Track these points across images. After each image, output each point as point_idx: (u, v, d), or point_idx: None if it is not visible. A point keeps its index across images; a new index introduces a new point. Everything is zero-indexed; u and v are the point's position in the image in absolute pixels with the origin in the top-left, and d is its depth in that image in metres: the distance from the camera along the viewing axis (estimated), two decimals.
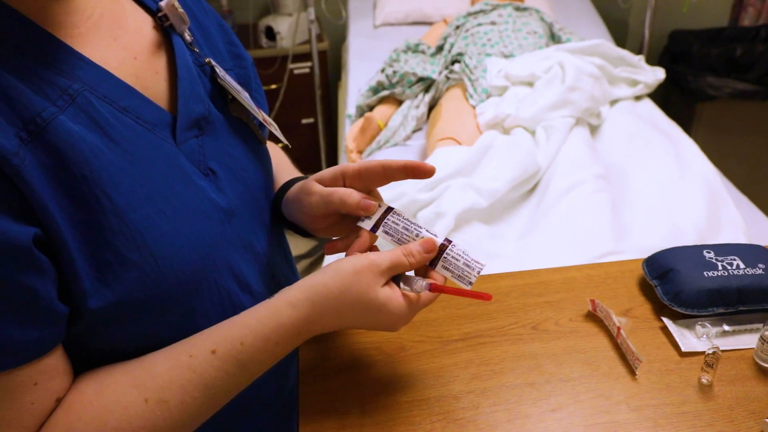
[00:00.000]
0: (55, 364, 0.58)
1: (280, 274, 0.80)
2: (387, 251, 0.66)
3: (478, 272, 0.69)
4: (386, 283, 0.66)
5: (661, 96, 2.70)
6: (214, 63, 0.73)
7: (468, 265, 0.69)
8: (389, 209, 0.71)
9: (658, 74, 2.15)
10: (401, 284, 0.68)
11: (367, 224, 0.71)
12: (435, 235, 0.70)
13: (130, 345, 0.63)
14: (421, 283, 0.67)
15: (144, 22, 0.69)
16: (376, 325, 0.67)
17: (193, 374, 0.60)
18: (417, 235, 0.70)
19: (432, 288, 0.67)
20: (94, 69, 0.60)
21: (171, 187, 0.63)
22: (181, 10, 0.69)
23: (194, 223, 0.64)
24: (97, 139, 0.58)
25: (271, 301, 0.65)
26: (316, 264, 2.79)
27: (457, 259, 0.69)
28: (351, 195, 0.69)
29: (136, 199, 0.59)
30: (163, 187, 0.62)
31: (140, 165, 0.61)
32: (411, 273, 0.70)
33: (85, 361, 0.62)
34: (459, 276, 0.69)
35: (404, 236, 0.70)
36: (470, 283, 0.69)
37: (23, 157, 0.52)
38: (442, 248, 0.70)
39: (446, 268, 0.70)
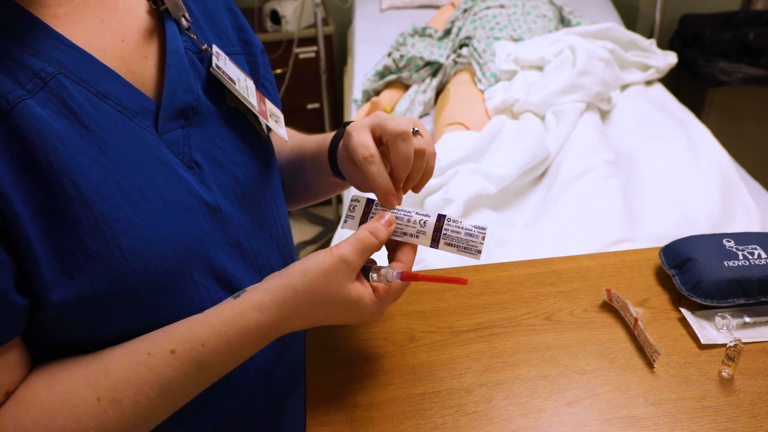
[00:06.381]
0: (8, 357, 0.56)
1: (270, 271, 0.75)
2: (351, 237, 0.63)
3: (483, 238, 0.66)
4: (357, 277, 0.63)
5: (672, 81, 2.66)
6: (213, 50, 0.70)
7: (470, 234, 0.66)
8: (370, 201, 0.68)
9: (670, 59, 2.11)
10: (371, 275, 0.64)
11: (351, 225, 0.68)
12: (427, 215, 0.67)
13: (98, 339, 0.60)
14: (392, 273, 0.64)
15: (137, 5, 0.66)
16: (347, 321, 0.65)
17: (150, 374, 0.58)
18: (409, 221, 0.67)
19: (404, 277, 0.64)
20: (73, 51, 0.58)
21: (147, 178, 0.60)
22: None
23: (171, 217, 0.61)
24: (68, 126, 0.55)
25: (237, 302, 0.62)
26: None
27: (457, 232, 0.66)
28: (383, 176, 0.66)
29: (106, 189, 0.56)
30: (139, 177, 0.59)
31: (114, 154, 0.58)
32: (385, 262, 0.67)
33: (51, 353, 0.59)
34: (465, 248, 0.66)
35: (397, 226, 0.67)
36: (479, 252, 0.66)
37: None
38: (438, 226, 0.67)
39: (449, 244, 0.67)
